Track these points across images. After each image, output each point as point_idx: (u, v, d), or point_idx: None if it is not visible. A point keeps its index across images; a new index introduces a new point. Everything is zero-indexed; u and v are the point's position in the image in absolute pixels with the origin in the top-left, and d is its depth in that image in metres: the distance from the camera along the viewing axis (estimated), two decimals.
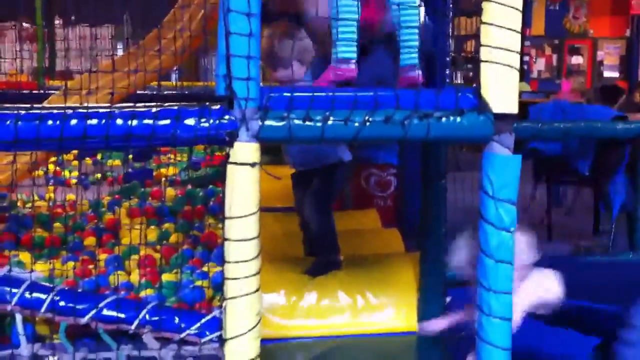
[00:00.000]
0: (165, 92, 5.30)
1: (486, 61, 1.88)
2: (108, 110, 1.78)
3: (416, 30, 2.32)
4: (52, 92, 4.96)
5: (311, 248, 2.98)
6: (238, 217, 1.79)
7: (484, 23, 1.88)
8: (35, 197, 4.39)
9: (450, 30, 2.96)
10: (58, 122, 1.74)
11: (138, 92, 4.07)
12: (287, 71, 2.57)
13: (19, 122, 1.73)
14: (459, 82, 12.08)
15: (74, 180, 5.46)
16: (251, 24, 1.78)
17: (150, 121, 1.79)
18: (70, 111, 1.77)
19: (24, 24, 9.78)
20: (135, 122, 1.78)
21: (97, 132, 1.75)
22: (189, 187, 4.68)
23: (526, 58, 12.60)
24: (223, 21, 1.78)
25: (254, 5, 1.78)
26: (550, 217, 4.61)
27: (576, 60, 13.12)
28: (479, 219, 1.90)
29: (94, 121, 1.76)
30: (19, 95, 5.19)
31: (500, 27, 1.85)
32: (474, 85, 1.97)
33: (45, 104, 3.67)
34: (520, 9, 1.87)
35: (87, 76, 4.01)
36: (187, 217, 3.89)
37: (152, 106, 1.90)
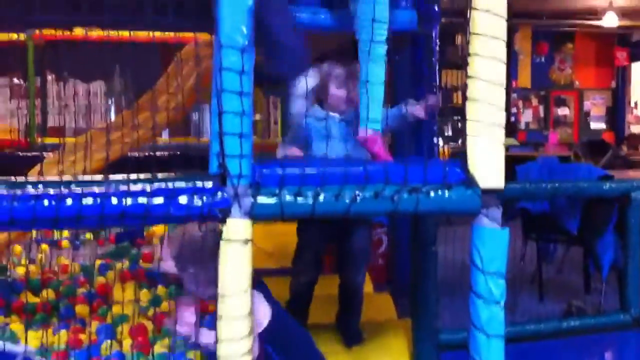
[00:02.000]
0: (158, 153, 5.32)
1: (472, 135, 1.93)
2: (103, 190, 1.80)
3: (382, 87, 2.33)
4: (46, 150, 5.00)
5: (345, 313, 2.91)
6: (231, 295, 1.81)
7: (469, 99, 1.93)
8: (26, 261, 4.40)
9: (438, 83, 3.00)
10: (53, 203, 1.77)
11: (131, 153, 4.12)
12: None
13: (15, 203, 1.76)
14: (448, 133, 12.28)
15: (65, 242, 5.44)
16: (243, 103, 1.82)
17: (145, 200, 1.81)
18: (66, 190, 1.79)
19: (15, 80, 9.87)
20: (129, 201, 1.80)
21: (91, 212, 1.77)
22: None
23: (513, 110, 12.80)
24: (216, 100, 1.83)
25: (246, 85, 1.82)
26: (541, 274, 4.62)
27: (563, 111, 13.32)
28: (470, 271, 1.91)
29: (89, 200, 1.79)
30: (10, 158, 5.21)
31: (486, 103, 1.91)
32: (461, 155, 2.01)
33: (38, 169, 3.70)
34: (504, 86, 1.93)
35: (81, 139, 4.06)
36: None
37: (146, 181, 1.93)
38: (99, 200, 1.79)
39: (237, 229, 1.82)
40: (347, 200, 1.89)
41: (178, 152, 5.63)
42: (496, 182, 1.92)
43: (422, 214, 1.96)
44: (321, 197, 1.88)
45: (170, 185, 1.89)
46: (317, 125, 2.58)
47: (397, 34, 2.43)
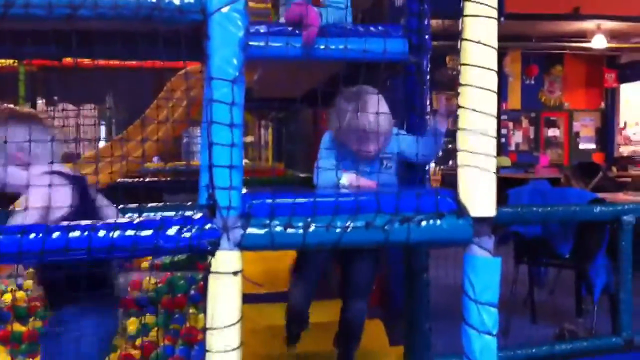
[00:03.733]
0: (148, 180, 5.30)
1: (464, 165, 1.92)
2: (90, 222, 1.78)
3: None
4: None
5: (344, 339, 2.79)
6: (220, 328, 1.78)
7: (461, 129, 1.93)
8: (14, 287, 4.34)
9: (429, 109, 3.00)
10: (40, 235, 1.74)
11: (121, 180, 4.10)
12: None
13: (0, 236, 1.73)
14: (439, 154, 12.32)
15: None
16: (234, 135, 1.81)
17: (133, 232, 1.79)
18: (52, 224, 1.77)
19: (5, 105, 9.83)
20: (117, 234, 1.77)
21: (79, 245, 1.75)
22: (169, 274, 4.63)
23: (504, 131, 12.87)
24: (206, 132, 1.82)
25: (237, 116, 1.81)
26: (533, 298, 4.61)
27: (553, 132, 13.40)
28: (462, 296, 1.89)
29: (76, 233, 1.76)
30: None
31: (477, 133, 1.90)
32: (452, 180, 1.99)
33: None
34: (495, 116, 1.92)
35: (71, 166, 4.02)
36: (168, 307, 3.85)
37: (134, 211, 1.91)
38: (86, 232, 1.76)
39: (226, 261, 1.80)
40: (338, 230, 1.87)
41: (168, 178, 5.61)
42: (488, 211, 1.91)
43: (414, 244, 1.94)
44: (312, 228, 1.86)
45: (158, 216, 1.88)
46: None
47: (390, 62, 2.43)
